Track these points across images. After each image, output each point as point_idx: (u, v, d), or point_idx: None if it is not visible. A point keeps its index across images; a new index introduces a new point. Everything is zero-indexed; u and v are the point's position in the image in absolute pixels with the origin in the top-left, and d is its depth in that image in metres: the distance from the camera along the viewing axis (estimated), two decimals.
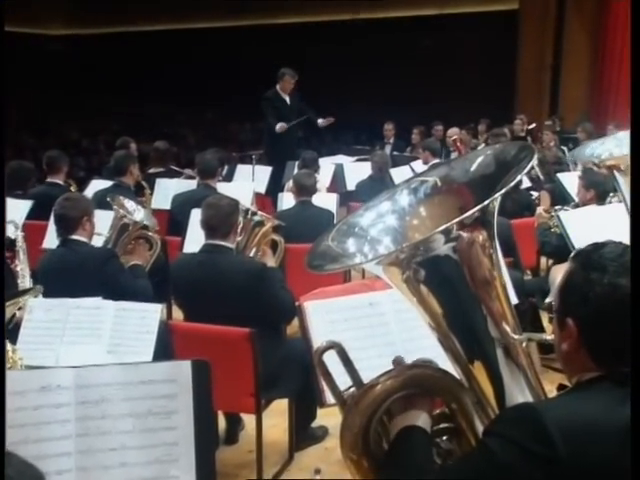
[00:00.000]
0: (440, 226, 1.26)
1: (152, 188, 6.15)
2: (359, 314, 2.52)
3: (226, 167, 7.45)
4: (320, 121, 8.26)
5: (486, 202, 1.26)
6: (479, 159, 1.43)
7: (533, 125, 10.22)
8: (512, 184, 1.28)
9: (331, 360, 1.58)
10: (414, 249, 1.31)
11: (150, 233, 4.21)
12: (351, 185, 7.28)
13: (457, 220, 1.26)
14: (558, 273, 2.39)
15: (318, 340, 2.41)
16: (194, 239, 4.40)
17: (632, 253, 1.32)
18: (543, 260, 5.57)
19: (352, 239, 1.39)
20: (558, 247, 4.34)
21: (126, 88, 15.86)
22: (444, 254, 1.31)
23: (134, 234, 4.12)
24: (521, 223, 4.97)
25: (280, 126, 8.03)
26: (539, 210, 5.10)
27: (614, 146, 2.53)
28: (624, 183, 2.41)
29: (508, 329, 1.42)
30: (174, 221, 5.41)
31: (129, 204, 4.36)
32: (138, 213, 4.31)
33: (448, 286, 1.37)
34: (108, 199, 4.32)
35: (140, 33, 16.51)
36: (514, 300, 2.85)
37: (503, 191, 1.28)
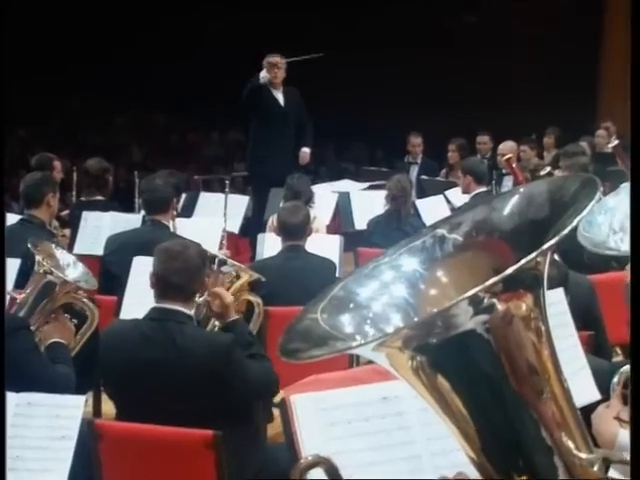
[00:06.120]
0: (466, 292, 1.26)
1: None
2: (368, 413, 2.54)
3: (184, 195, 7.52)
4: (303, 152, 8.43)
5: (530, 257, 1.26)
6: (525, 199, 1.45)
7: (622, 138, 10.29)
8: (565, 232, 1.30)
9: None
10: (429, 325, 1.31)
11: (86, 300, 4.21)
12: (361, 223, 7.35)
13: (490, 283, 1.26)
14: (602, 421, 2.30)
15: (309, 449, 2.42)
16: (136, 299, 4.42)
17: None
18: None
19: (347, 314, 1.41)
20: None
21: (38, 74, 15.71)
22: (471, 332, 1.31)
23: (62, 299, 4.12)
24: (605, 280, 4.98)
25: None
26: None
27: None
28: None
29: (571, 445, 1.40)
30: (108, 273, 5.44)
31: (62, 255, 4.37)
32: (73, 270, 4.31)
33: (478, 379, 1.36)
34: (29, 245, 4.33)
35: None
36: (596, 396, 2.83)
37: (553, 242, 1.29)
